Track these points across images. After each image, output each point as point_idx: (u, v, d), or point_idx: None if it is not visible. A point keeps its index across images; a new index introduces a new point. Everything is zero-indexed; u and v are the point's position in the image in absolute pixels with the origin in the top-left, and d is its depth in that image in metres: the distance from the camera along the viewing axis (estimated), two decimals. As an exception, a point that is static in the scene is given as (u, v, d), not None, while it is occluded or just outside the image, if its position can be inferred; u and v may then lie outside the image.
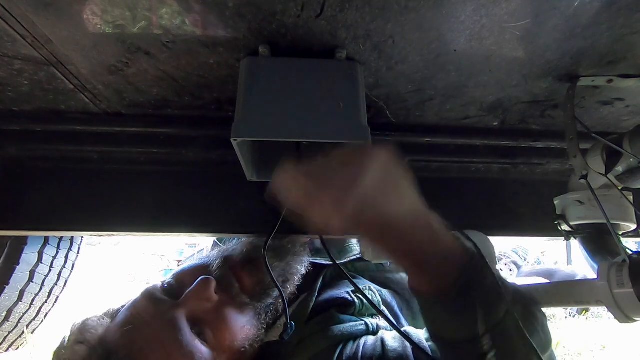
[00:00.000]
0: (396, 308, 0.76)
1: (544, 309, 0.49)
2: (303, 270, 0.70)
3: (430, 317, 0.43)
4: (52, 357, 0.58)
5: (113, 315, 0.61)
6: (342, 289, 0.70)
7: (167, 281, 0.62)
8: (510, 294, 0.41)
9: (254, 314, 0.61)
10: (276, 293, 0.64)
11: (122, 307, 0.62)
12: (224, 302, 0.59)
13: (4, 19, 0.42)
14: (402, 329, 0.63)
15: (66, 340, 0.58)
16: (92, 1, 0.40)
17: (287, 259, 0.68)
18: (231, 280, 0.61)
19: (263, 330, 0.63)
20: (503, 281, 0.43)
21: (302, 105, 0.46)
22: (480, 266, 0.40)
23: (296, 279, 0.68)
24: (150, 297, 0.58)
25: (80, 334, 0.56)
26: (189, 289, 0.58)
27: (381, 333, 0.62)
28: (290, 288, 0.67)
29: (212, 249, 1.00)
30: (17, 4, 0.40)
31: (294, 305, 0.68)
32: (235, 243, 0.72)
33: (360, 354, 0.58)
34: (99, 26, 0.44)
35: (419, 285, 0.41)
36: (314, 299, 0.68)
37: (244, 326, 0.59)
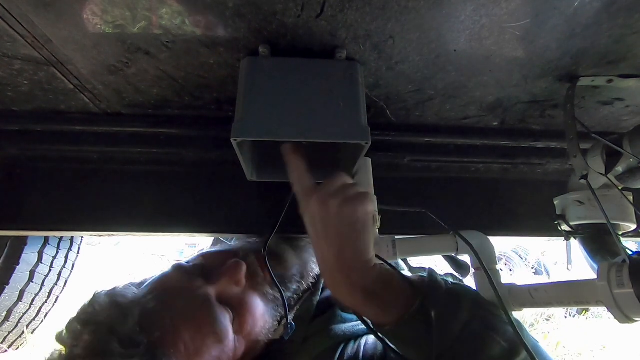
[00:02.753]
0: None
1: (543, 309, 0.49)
2: (317, 270, 0.70)
3: (394, 344, 0.47)
4: (69, 322, 0.53)
5: (138, 285, 0.59)
6: None
7: (192, 260, 0.62)
8: (467, 311, 0.45)
9: (273, 305, 0.62)
10: (294, 287, 0.65)
11: (143, 281, 0.60)
12: (250, 288, 0.60)
13: (4, 19, 0.42)
14: None
15: (90, 304, 0.54)
16: (92, 1, 0.40)
17: (304, 257, 0.69)
18: (257, 269, 0.62)
19: (277, 325, 0.63)
20: (459, 299, 0.46)
21: (302, 105, 0.46)
22: (429, 295, 0.45)
23: (312, 275, 0.69)
24: (182, 270, 0.58)
25: (112, 298, 0.53)
26: (222, 269, 0.58)
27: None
28: (305, 284, 0.68)
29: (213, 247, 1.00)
30: (17, 4, 0.40)
31: (299, 304, 0.68)
32: (253, 239, 0.72)
33: (361, 354, 0.59)
34: (99, 26, 0.44)
35: (377, 320, 0.46)
36: (318, 297, 0.69)
37: (264, 315, 0.60)
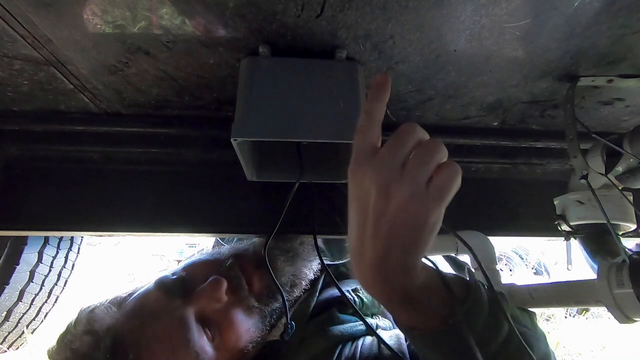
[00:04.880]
0: None
1: (543, 309, 0.49)
2: (311, 275, 0.70)
3: (418, 347, 0.42)
4: (56, 342, 0.58)
5: (120, 303, 0.60)
6: (343, 288, 0.70)
7: (177, 272, 0.62)
8: (507, 328, 0.41)
9: (259, 317, 0.61)
10: (285, 296, 0.64)
11: (130, 294, 0.61)
12: (233, 303, 0.59)
13: (4, 19, 0.42)
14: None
15: (72, 326, 0.58)
16: (92, 1, 0.40)
17: (297, 263, 0.68)
18: (241, 282, 0.61)
19: (267, 332, 0.63)
20: (500, 314, 0.42)
21: (302, 105, 0.46)
22: (472, 309, 0.39)
23: (304, 283, 0.68)
24: (161, 289, 0.58)
25: (89, 323, 0.55)
26: (201, 287, 0.58)
27: (379, 332, 0.62)
28: (297, 292, 0.67)
29: (214, 247, 1.00)
30: (17, 4, 0.40)
31: (295, 305, 0.68)
32: (246, 242, 0.72)
33: (358, 355, 0.59)
34: (99, 26, 0.44)
35: (410, 323, 0.40)
36: (316, 298, 0.69)
37: (249, 329, 0.59)
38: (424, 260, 0.39)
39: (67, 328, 0.58)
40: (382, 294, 0.38)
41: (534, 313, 0.53)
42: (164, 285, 0.59)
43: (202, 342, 0.54)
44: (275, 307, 0.64)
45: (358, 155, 0.36)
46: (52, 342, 0.58)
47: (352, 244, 0.37)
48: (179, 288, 0.58)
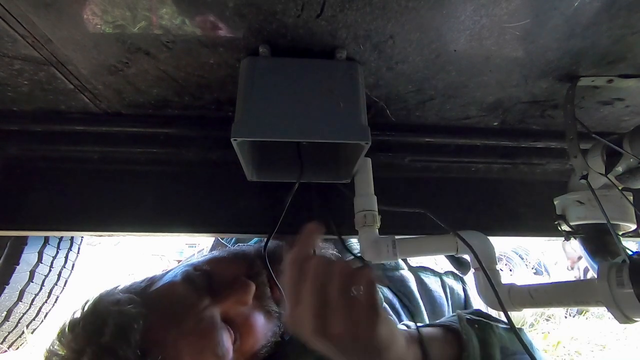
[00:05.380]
0: (397, 305, 0.76)
1: (543, 309, 0.50)
2: None
3: None
4: (70, 329, 0.51)
5: (141, 293, 0.56)
6: None
7: (201, 265, 0.60)
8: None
9: (275, 322, 0.61)
10: None
11: (149, 284, 0.58)
12: (255, 307, 0.58)
13: (4, 19, 0.42)
14: (402, 323, 0.64)
15: (91, 314, 0.52)
16: (92, 1, 0.40)
17: None
18: (266, 288, 0.61)
19: (278, 337, 0.62)
20: (491, 355, 0.48)
21: (302, 105, 0.46)
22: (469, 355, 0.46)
23: None
24: (190, 284, 0.56)
25: (119, 316, 0.50)
26: (230, 288, 0.56)
27: None
28: None
29: (212, 248, 1.00)
30: (17, 4, 0.40)
31: None
32: (274, 242, 0.70)
33: None
34: (99, 26, 0.44)
35: None
36: None
37: (266, 334, 0.59)
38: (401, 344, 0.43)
39: (86, 316, 0.52)
40: None
41: (520, 329, 0.54)
42: (191, 281, 0.56)
43: (228, 345, 0.53)
44: None
45: (296, 268, 0.41)
46: (62, 327, 0.53)
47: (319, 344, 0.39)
48: (206, 285, 0.57)
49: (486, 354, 0.47)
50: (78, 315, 0.53)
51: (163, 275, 0.61)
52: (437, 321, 0.69)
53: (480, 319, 0.53)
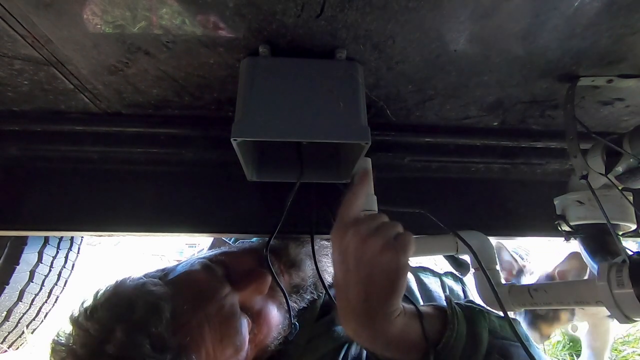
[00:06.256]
0: None
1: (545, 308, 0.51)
2: (330, 279, 0.69)
3: None
4: (104, 302, 0.49)
5: (163, 278, 0.55)
6: None
7: (216, 257, 0.60)
8: (486, 345, 0.47)
9: (285, 315, 0.61)
10: (308, 298, 0.65)
11: (165, 273, 0.57)
12: (269, 297, 0.59)
13: (4, 19, 0.42)
14: None
15: (120, 295, 0.50)
16: (92, 1, 0.40)
17: (318, 266, 0.68)
18: (279, 279, 0.61)
19: (288, 331, 0.63)
20: (478, 335, 0.48)
21: (302, 105, 0.46)
22: (450, 340, 0.47)
23: (320, 287, 0.68)
24: (211, 272, 0.56)
25: (148, 293, 0.49)
26: (248, 278, 0.57)
27: None
28: (316, 293, 0.68)
29: (211, 247, 1.00)
30: (17, 4, 0.40)
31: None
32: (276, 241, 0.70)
33: (364, 354, 0.59)
34: (99, 26, 0.44)
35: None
36: (322, 299, 0.69)
37: (278, 325, 0.60)
38: (401, 305, 0.46)
39: (109, 298, 0.50)
40: (366, 339, 0.44)
41: (515, 320, 0.55)
42: (211, 269, 0.56)
43: (246, 333, 0.53)
44: (300, 308, 0.64)
45: (341, 220, 0.45)
46: (76, 317, 0.49)
47: (339, 294, 0.45)
48: (224, 274, 0.57)
49: (472, 332, 0.48)
50: (91, 303, 0.50)
51: (176, 266, 0.60)
52: (427, 302, 0.69)
53: (471, 304, 0.53)
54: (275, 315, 0.59)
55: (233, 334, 0.51)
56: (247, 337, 0.53)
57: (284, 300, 0.60)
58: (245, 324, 0.53)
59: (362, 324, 0.43)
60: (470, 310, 0.51)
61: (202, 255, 0.62)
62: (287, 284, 0.63)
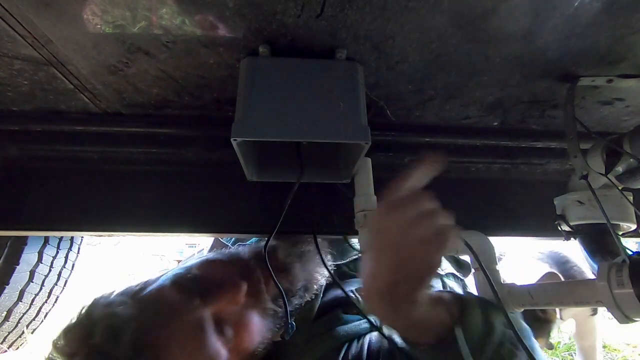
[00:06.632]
0: None
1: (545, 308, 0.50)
2: (323, 281, 0.69)
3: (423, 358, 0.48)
4: (64, 333, 0.53)
5: (135, 295, 0.57)
6: (346, 288, 0.70)
7: (191, 270, 0.60)
8: (499, 335, 0.47)
9: (272, 320, 0.61)
10: (296, 302, 0.64)
11: (142, 288, 0.59)
12: (250, 305, 0.58)
13: (4, 19, 0.42)
14: None
15: (85, 318, 0.54)
16: (92, 1, 0.40)
17: (309, 268, 0.68)
18: (261, 285, 0.61)
19: (277, 333, 0.62)
20: (493, 324, 0.48)
21: (302, 105, 0.46)
22: (468, 323, 0.47)
23: (315, 287, 0.68)
24: (177, 288, 0.56)
25: (109, 317, 0.52)
26: (221, 289, 0.57)
27: (384, 329, 0.62)
28: (308, 296, 0.67)
29: (212, 248, 1.00)
30: (17, 4, 0.40)
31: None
32: (262, 243, 0.70)
33: (365, 352, 0.59)
34: (99, 26, 0.44)
35: (414, 340, 0.47)
36: (320, 299, 0.69)
37: (262, 331, 0.59)
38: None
39: (79, 320, 0.54)
40: (390, 319, 0.45)
41: (516, 318, 0.55)
42: (179, 284, 0.57)
43: (218, 346, 0.53)
44: (290, 311, 0.63)
45: (391, 196, 0.43)
46: (58, 333, 0.54)
47: (369, 273, 0.43)
48: (196, 287, 0.57)
49: (488, 322, 0.48)
50: (74, 320, 0.54)
51: (157, 278, 0.61)
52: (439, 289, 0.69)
53: (483, 297, 0.54)
54: (256, 322, 0.58)
55: (201, 347, 0.51)
56: (220, 351, 0.53)
57: (269, 305, 0.60)
58: (217, 338, 0.53)
59: (387, 308, 0.43)
60: (483, 301, 0.52)
61: (184, 266, 0.62)
62: (274, 287, 0.61)
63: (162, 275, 0.61)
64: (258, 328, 0.58)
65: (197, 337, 0.52)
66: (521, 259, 1.74)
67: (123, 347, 0.48)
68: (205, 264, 0.63)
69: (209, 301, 0.55)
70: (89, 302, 0.56)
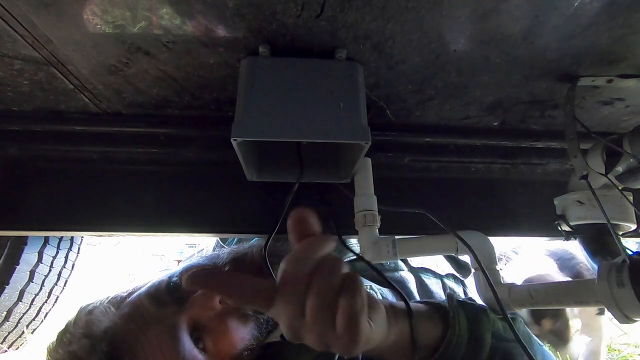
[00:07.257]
0: None
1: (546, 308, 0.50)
2: None
3: None
4: (55, 340, 0.58)
5: (119, 304, 0.60)
6: None
7: (173, 279, 0.61)
8: (489, 348, 0.46)
9: (255, 325, 0.61)
10: None
11: (130, 294, 0.61)
12: (228, 311, 0.59)
13: (4, 19, 0.42)
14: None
15: (71, 325, 0.58)
16: (92, 1, 0.40)
17: None
18: None
19: (264, 338, 0.62)
20: (481, 337, 0.47)
21: (302, 105, 0.46)
22: (451, 343, 0.45)
23: None
24: (149, 297, 0.58)
25: (87, 325, 0.55)
26: (194, 295, 0.57)
27: None
28: None
29: (215, 248, 1.00)
30: (17, 4, 0.40)
31: None
32: (248, 244, 0.71)
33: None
34: (99, 26, 0.44)
35: None
36: None
37: (243, 337, 0.59)
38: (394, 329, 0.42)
39: (66, 327, 0.58)
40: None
41: (516, 318, 0.54)
42: (152, 294, 0.59)
43: (195, 352, 0.54)
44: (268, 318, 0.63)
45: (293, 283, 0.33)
46: (52, 339, 0.58)
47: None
48: (172, 294, 0.58)
49: (475, 335, 0.46)
50: (64, 325, 0.59)
51: (143, 285, 0.63)
52: (426, 299, 0.68)
53: (474, 302, 0.52)
54: (234, 327, 0.59)
55: (175, 355, 0.52)
56: (197, 356, 0.54)
57: (250, 312, 0.60)
58: (189, 344, 0.54)
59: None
60: (472, 310, 0.50)
61: (168, 274, 0.63)
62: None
63: (148, 283, 0.63)
64: (237, 334, 0.59)
65: (169, 344, 0.53)
66: (533, 255, 1.74)
67: (98, 354, 0.51)
68: (185, 271, 0.63)
69: (183, 309, 0.56)
70: (78, 307, 0.60)
